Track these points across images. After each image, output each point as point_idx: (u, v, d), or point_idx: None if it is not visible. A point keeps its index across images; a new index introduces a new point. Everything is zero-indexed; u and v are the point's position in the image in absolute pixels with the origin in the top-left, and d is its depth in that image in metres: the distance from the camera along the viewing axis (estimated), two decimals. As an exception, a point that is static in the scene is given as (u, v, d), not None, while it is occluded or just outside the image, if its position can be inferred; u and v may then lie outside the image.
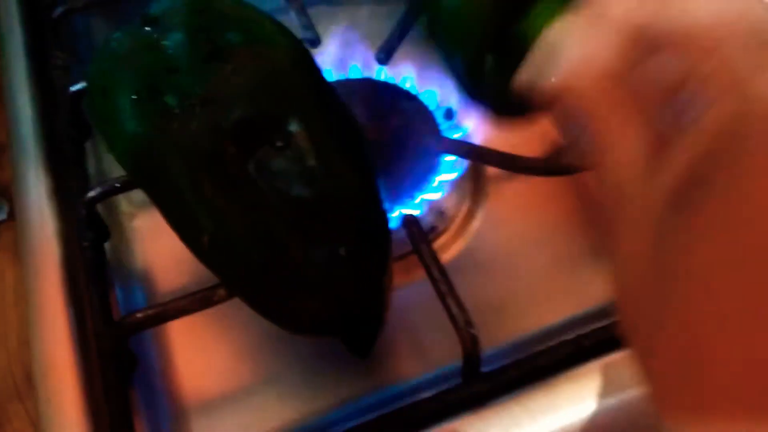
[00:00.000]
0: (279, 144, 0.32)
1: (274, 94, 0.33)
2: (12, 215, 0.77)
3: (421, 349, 0.38)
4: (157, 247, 0.42)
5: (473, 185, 0.44)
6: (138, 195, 0.42)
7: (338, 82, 0.43)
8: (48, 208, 0.39)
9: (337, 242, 0.32)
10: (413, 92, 0.43)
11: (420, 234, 0.36)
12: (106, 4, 0.49)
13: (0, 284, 0.65)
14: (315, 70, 0.36)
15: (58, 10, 0.46)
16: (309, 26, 0.45)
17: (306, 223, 0.32)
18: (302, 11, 0.46)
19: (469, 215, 0.43)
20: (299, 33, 0.46)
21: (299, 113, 0.33)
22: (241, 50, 0.34)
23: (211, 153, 0.32)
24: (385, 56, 0.44)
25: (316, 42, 0.45)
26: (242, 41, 0.34)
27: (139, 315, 0.32)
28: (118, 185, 0.37)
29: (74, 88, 0.41)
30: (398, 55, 0.44)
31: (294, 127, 0.32)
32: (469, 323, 0.33)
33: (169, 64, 0.33)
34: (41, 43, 0.48)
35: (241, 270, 0.32)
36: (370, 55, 0.45)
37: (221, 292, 0.33)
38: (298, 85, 0.34)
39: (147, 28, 0.34)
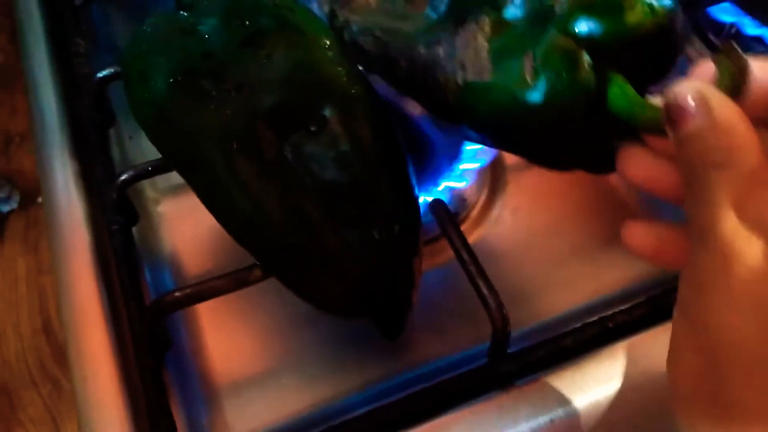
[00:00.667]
0: (313, 129, 0.33)
1: (308, 79, 0.34)
2: (22, 205, 0.78)
3: (445, 331, 0.39)
4: (183, 232, 0.42)
5: (493, 174, 0.45)
6: (163, 181, 0.43)
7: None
8: (76, 193, 0.39)
9: (370, 225, 0.33)
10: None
11: (448, 217, 0.37)
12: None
13: (11, 274, 0.66)
14: (347, 57, 0.36)
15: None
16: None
17: (340, 206, 0.32)
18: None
19: (489, 203, 0.44)
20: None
21: (333, 99, 0.33)
22: (276, 36, 0.34)
23: (247, 137, 0.32)
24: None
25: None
26: (276, 27, 0.35)
27: (177, 294, 0.33)
28: (150, 168, 0.37)
29: (100, 74, 0.41)
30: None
31: (328, 112, 0.33)
32: (499, 303, 0.33)
33: (205, 49, 0.34)
34: (62, 30, 0.48)
35: (277, 251, 0.32)
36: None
37: (257, 272, 0.33)
38: (331, 71, 0.34)
39: (182, 13, 0.35)
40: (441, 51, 0.32)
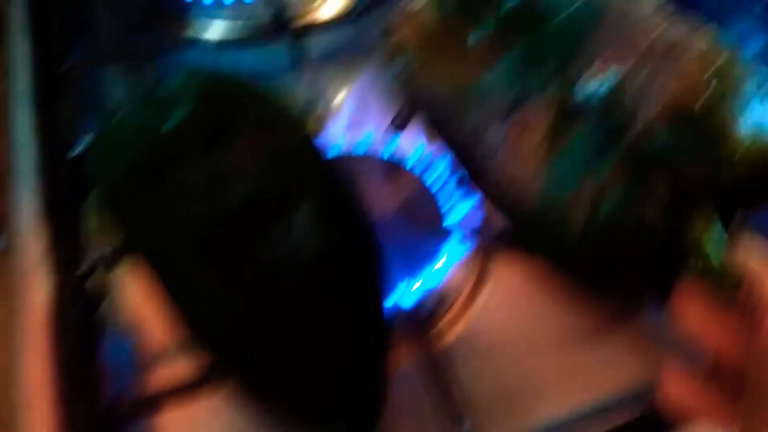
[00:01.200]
0: (281, 228, 0.32)
1: (277, 177, 0.33)
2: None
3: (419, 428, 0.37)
4: (150, 312, 0.41)
5: (476, 265, 0.43)
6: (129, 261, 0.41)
7: (343, 157, 0.43)
8: (39, 277, 0.38)
9: (338, 329, 0.32)
10: (419, 169, 0.42)
11: (418, 323, 0.36)
12: (115, 61, 0.48)
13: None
14: (319, 153, 0.35)
15: (65, 67, 0.46)
16: (320, 93, 0.44)
17: (309, 310, 0.31)
18: (313, 73, 0.45)
19: (472, 296, 0.42)
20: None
21: (302, 197, 0.32)
22: (247, 133, 0.33)
23: (213, 235, 0.31)
24: (402, 122, 0.43)
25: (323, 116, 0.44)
26: (248, 124, 0.34)
27: (126, 406, 0.32)
28: (113, 257, 0.36)
29: (76, 152, 0.41)
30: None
31: (297, 211, 0.32)
32: (459, 418, 0.32)
33: (174, 144, 0.33)
34: (49, 93, 0.47)
35: (243, 357, 0.31)
36: (386, 119, 0.43)
37: (219, 376, 0.32)
38: (301, 169, 0.34)
39: (152, 108, 0.34)
40: (489, 134, 0.30)
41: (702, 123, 0.27)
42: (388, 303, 0.38)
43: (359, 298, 0.33)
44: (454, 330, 0.41)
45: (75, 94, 0.48)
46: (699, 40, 0.29)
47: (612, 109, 0.28)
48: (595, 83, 0.28)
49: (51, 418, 0.33)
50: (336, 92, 0.47)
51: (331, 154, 0.42)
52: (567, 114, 0.29)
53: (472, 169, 0.32)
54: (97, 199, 0.34)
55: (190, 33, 0.53)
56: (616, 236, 0.27)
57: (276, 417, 0.33)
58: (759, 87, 0.28)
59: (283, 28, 0.48)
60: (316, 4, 0.55)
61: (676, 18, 0.30)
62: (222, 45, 0.48)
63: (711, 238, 0.26)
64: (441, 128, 0.33)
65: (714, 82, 0.27)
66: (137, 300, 0.41)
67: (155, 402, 0.32)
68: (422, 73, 0.33)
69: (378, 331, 0.34)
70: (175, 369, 0.35)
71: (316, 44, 0.50)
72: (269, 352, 0.31)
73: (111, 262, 0.37)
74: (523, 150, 0.29)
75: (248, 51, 0.49)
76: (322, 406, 0.32)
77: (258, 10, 0.52)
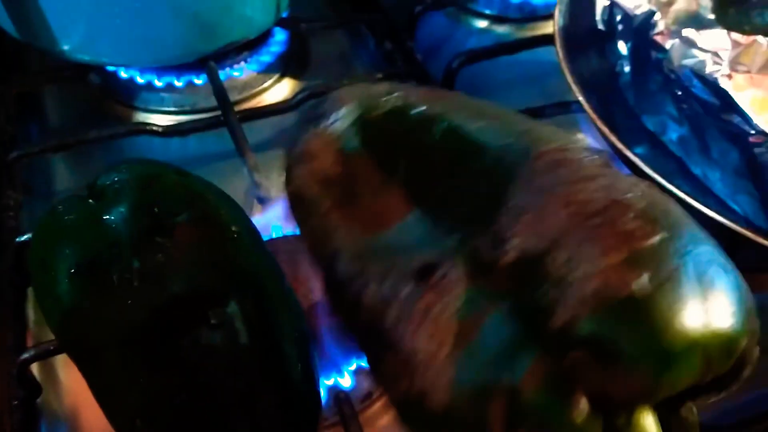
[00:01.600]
0: (214, 322, 0.33)
1: (212, 271, 0.33)
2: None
3: None
4: (90, 401, 0.41)
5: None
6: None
7: (282, 239, 0.44)
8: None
9: (269, 427, 0.32)
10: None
11: (349, 411, 0.36)
12: (62, 149, 0.49)
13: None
14: (257, 242, 0.36)
15: (13, 154, 0.47)
16: (258, 184, 0.46)
17: (237, 405, 0.32)
18: (254, 167, 0.47)
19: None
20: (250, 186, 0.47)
21: (236, 292, 0.33)
22: (183, 226, 0.34)
23: (144, 329, 0.32)
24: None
25: (264, 201, 0.46)
26: (185, 217, 0.35)
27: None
28: (53, 348, 0.37)
29: (21, 238, 0.41)
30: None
31: (230, 305, 0.33)
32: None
33: (111, 239, 0.34)
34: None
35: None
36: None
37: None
38: (237, 263, 0.34)
39: (92, 201, 0.35)
40: (392, 309, 0.26)
41: (634, 313, 0.23)
42: (324, 385, 0.38)
43: (289, 385, 0.33)
44: (381, 419, 0.42)
45: (22, 182, 0.49)
46: (636, 202, 0.25)
47: (533, 288, 0.24)
48: (515, 252, 0.25)
49: None
50: (278, 177, 0.49)
51: (269, 237, 0.44)
52: (482, 289, 0.25)
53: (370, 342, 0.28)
54: (35, 289, 0.34)
55: (138, 120, 0.55)
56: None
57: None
58: (703, 267, 0.24)
59: (227, 116, 0.50)
60: (258, 90, 0.57)
61: (610, 167, 0.28)
62: (168, 132, 0.50)
63: None
64: (338, 292, 0.30)
65: (650, 261, 0.23)
66: (74, 389, 0.42)
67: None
68: (320, 224, 0.30)
69: (309, 417, 0.34)
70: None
71: (259, 130, 0.52)
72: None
73: (51, 353, 0.37)
74: (433, 327, 0.25)
75: (193, 137, 0.51)
76: None
77: (206, 93, 0.54)
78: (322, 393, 0.35)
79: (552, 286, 0.24)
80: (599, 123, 0.40)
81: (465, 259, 0.26)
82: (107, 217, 0.34)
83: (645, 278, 0.23)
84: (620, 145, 0.39)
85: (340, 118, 0.32)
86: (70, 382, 0.42)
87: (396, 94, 0.32)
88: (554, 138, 0.29)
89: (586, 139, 0.33)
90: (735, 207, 0.41)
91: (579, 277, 0.23)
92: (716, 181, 0.41)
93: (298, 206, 0.33)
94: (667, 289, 0.23)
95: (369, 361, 0.30)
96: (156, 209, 0.35)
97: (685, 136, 0.43)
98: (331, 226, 0.30)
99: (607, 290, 0.23)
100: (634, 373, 0.23)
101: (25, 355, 0.36)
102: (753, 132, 0.36)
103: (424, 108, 0.31)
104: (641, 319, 0.23)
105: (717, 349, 0.23)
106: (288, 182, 0.33)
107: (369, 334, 0.28)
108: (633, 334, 0.23)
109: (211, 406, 0.31)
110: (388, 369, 0.27)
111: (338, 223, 0.30)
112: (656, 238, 0.24)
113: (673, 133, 0.44)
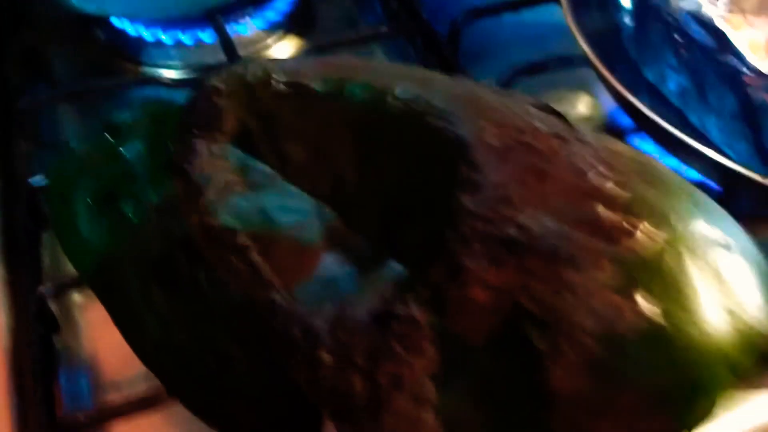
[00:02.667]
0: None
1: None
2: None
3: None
4: (107, 339, 0.42)
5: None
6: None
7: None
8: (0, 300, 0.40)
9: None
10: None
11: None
12: (71, 98, 0.50)
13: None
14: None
15: (24, 102, 0.48)
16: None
17: (251, 331, 0.33)
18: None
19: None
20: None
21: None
22: (198, 162, 0.35)
23: (162, 260, 0.33)
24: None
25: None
26: (199, 154, 0.36)
27: (80, 416, 0.33)
28: (70, 282, 0.38)
29: (34, 181, 0.42)
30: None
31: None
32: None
33: (128, 173, 0.35)
34: (6, 129, 0.49)
35: (184, 377, 0.33)
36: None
37: (163, 395, 0.34)
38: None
39: (108, 136, 0.36)
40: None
41: (641, 354, 0.20)
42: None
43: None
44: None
45: (32, 132, 0.50)
46: (601, 184, 0.22)
47: (515, 333, 0.21)
48: (480, 287, 0.21)
49: (12, 429, 0.34)
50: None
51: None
52: (453, 339, 0.21)
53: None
54: (54, 223, 0.35)
55: (147, 72, 0.55)
56: None
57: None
58: (701, 253, 0.21)
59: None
60: (263, 47, 0.58)
61: (567, 137, 0.24)
62: (176, 85, 0.50)
63: None
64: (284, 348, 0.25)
65: (642, 274, 0.21)
66: (91, 330, 0.43)
67: (107, 417, 0.34)
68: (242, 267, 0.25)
69: None
70: (128, 392, 0.36)
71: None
72: (209, 373, 0.32)
73: (68, 287, 0.38)
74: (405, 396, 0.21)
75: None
76: (259, 427, 0.33)
77: (213, 50, 0.55)
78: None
79: (538, 328, 0.20)
80: (604, 71, 0.41)
81: (417, 297, 0.22)
82: (124, 153, 0.35)
83: (641, 301, 0.20)
84: (625, 93, 0.40)
85: (224, 114, 0.27)
86: (87, 323, 0.43)
87: (285, 67, 0.28)
88: (503, 107, 0.25)
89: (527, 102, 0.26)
90: (731, 153, 0.42)
91: (566, 311, 0.20)
92: (713, 128, 0.42)
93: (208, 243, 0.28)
94: (672, 306, 0.20)
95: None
96: (171, 146, 0.36)
97: (683, 84, 0.44)
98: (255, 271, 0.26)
99: (605, 330, 0.20)
100: (661, 416, 0.20)
101: (44, 289, 0.37)
102: (747, 71, 0.38)
103: (322, 78, 0.27)
104: (654, 353, 0.20)
105: (741, 352, 0.21)
106: (187, 215, 0.28)
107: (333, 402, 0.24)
108: (651, 372, 0.20)
109: (225, 334, 0.32)
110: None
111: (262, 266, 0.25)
112: (638, 235, 0.21)
113: (671, 83, 0.45)
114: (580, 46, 0.44)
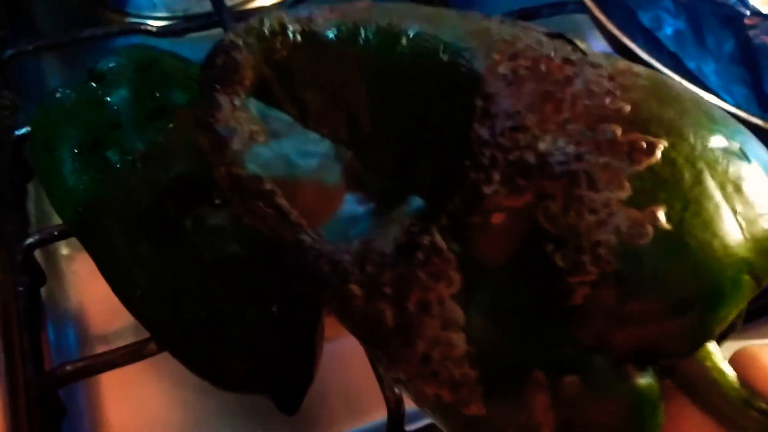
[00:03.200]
0: (217, 202, 0.33)
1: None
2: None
3: (349, 402, 0.39)
4: (94, 291, 0.42)
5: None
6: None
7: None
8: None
9: (270, 301, 0.33)
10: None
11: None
12: (56, 48, 0.49)
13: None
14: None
15: (8, 53, 0.47)
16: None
17: (239, 281, 0.32)
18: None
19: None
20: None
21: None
22: (184, 109, 0.35)
23: (149, 209, 0.32)
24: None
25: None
26: (185, 100, 0.35)
27: (68, 367, 0.33)
28: (57, 233, 0.37)
29: (19, 132, 0.41)
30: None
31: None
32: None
33: (113, 120, 0.34)
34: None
35: (173, 326, 0.32)
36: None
37: (152, 346, 0.33)
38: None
39: (93, 84, 0.35)
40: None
41: (662, 260, 0.20)
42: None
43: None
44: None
45: (16, 83, 0.49)
46: (620, 107, 0.22)
47: (535, 251, 0.21)
48: (500, 213, 0.22)
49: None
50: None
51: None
52: (476, 264, 0.22)
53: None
54: (39, 171, 0.34)
55: (129, 21, 0.54)
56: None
57: (205, 384, 0.34)
58: (722, 166, 0.21)
59: (221, 15, 0.49)
60: (252, -5, 0.57)
61: (576, 60, 0.24)
62: (161, 33, 0.49)
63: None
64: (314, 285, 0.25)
65: (660, 189, 0.21)
66: (79, 279, 0.42)
67: (95, 366, 0.33)
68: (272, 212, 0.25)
69: (310, 305, 0.35)
70: (115, 344, 0.36)
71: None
72: (198, 322, 0.32)
73: (55, 238, 0.37)
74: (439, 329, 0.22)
75: (187, 39, 0.51)
76: (247, 376, 0.33)
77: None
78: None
79: (558, 247, 0.21)
80: (600, 15, 0.40)
81: (439, 226, 0.23)
82: (108, 99, 0.35)
83: (661, 215, 0.20)
84: (621, 36, 0.39)
85: (244, 66, 0.27)
86: (73, 275, 0.42)
87: (298, 17, 0.28)
88: (515, 38, 0.25)
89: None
90: (728, 98, 0.41)
91: (586, 229, 0.21)
92: (710, 73, 0.42)
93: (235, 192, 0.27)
94: (691, 218, 0.21)
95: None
96: (157, 93, 0.35)
97: (680, 28, 0.43)
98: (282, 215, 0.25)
99: (624, 244, 0.20)
100: (684, 321, 0.20)
101: (30, 240, 0.37)
102: (748, 13, 0.37)
103: (334, 25, 0.27)
104: (674, 262, 0.20)
105: (759, 257, 0.21)
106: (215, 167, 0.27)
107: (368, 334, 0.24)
108: (671, 280, 0.20)
109: (214, 281, 0.32)
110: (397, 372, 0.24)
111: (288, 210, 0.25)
112: (657, 154, 0.21)
113: (668, 28, 0.44)
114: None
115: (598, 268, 0.20)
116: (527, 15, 0.50)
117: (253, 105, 0.28)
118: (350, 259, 0.24)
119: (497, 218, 0.22)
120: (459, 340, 0.22)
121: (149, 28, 0.49)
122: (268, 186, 0.25)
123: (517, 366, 0.21)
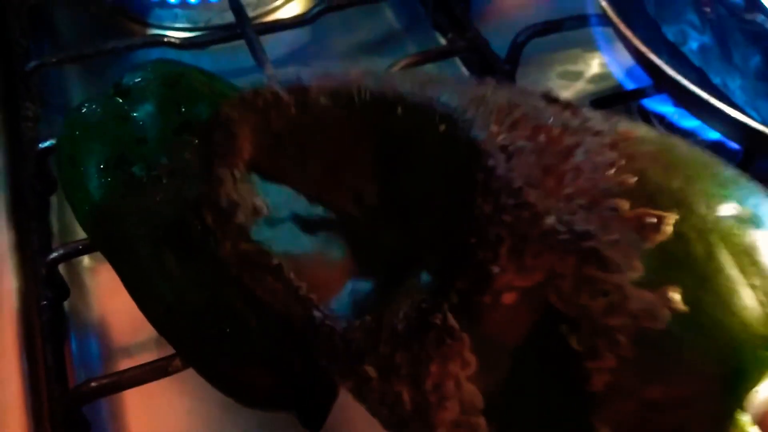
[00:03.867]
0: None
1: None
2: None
3: (371, 419, 0.39)
4: (117, 304, 0.42)
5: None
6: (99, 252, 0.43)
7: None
8: (8, 265, 0.39)
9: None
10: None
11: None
12: (79, 60, 0.49)
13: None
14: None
15: (31, 64, 0.47)
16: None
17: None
18: (273, 78, 0.46)
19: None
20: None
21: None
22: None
23: (174, 224, 0.32)
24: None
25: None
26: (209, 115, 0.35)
27: (93, 384, 0.33)
28: (81, 247, 0.37)
29: (43, 144, 0.42)
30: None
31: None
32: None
33: (138, 135, 0.34)
34: (12, 93, 0.48)
35: (197, 341, 0.32)
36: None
37: (176, 362, 0.33)
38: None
39: (118, 98, 0.35)
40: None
41: (682, 344, 0.20)
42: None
43: None
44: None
45: (38, 95, 0.49)
46: (625, 179, 0.22)
47: (548, 333, 0.21)
48: (510, 293, 0.21)
49: (23, 395, 0.34)
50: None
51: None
52: (491, 346, 0.21)
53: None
54: (64, 186, 0.35)
55: (153, 33, 0.54)
56: None
57: (229, 401, 0.34)
58: (735, 237, 0.21)
59: (243, 28, 0.49)
60: (271, 9, 0.57)
61: (578, 125, 0.24)
62: (183, 46, 0.49)
63: None
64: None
65: (674, 266, 0.20)
66: (102, 292, 0.42)
67: (120, 383, 0.33)
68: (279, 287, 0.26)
69: None
70: (138, 358, 0.36)
71: (276, 45, 0.52)
72: (222, 337, 0.31)
73: (79, 252, 0.38)
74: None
75: (209, 51, 0.51)
76: (271, 392, 0.33)
77: (220, 10, 0.54)
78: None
79: (573, 329, 0.20)
80: (622, 27, 0.40)
81: (450, 304, 0.22)
82: (134, 114, 0.35)
83: (676, 296, 0.20)
84: (646, 50, 0.39)
85: (241, 141, 0.27)
86: (96, 288, 0.42)
87: (291, 86, 0.27)
88: (513, 107, 0.25)
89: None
90: (754, 114, 0.41)
91: (599, 312, 0.20)
92: (736, 89, 0.41)
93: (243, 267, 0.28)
94: (706, 296, 0.20)
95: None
96: (182, 108, 0.35)
97: (706, 44, 0.43)
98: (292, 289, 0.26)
99: (641, 328, 0.20)
100: (708, 403, 0.20)
101: (54, 255, 0.37)
102: (776, 30, 0.37)
103: (328, 92, 0.27)
104: (693, 344, 0.20)
105: None
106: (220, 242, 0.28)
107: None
108: (691, 363, 0.20)
109: (238, 296, 0.32)
110: None
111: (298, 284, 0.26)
112: (667, 230, 0.21)
113: (693, 43, 0.44)
114: (598, 4, 0.43)
115: (616, 354, 0.20)
116: (550, 28, 0.49)
117: (255, 178, 0.28)
118: (363, 338, 0.23)
119: (508, 298, 0.21)
120: (479, 424, 0.21)
121: (172, 40, 0.49)
122: (276, 260, 0.25)
123: None
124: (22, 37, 0.51)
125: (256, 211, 0.26)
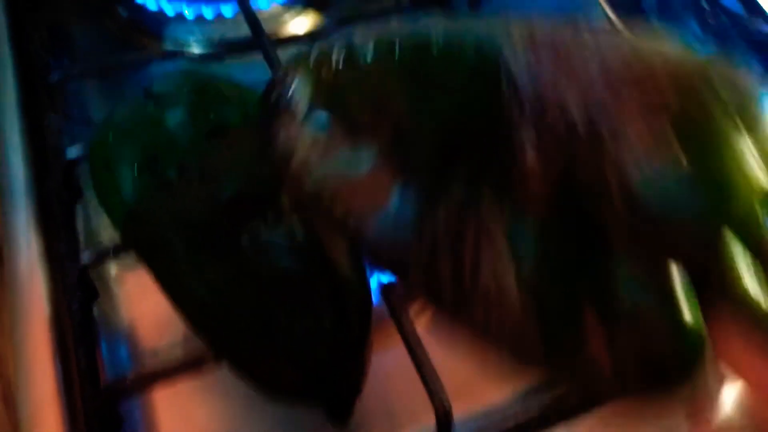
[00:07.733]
0: (271, 219, 0.34)
1: (267, 171, 0.35)
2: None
3: (394, 414, 0.40)
4: (144, 309, 0.43)
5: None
6: (126, 257, 0.43)
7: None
8: (38, 271, 0.40)
9: (322, 314, 0.34)
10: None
11: (398, 304, 0.38)
12: (100, 72, 0.50)
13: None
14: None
15: (55, 76, 0.48)
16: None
17: (293, 294, 0.33)
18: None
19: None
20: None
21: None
22: (238, 128, 0.36)
23: (206, 224, 0.34)
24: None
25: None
26: (239, 120, 0.36)
27: (127, 380, 0.34)
28: (111, 250, 0.38)
29: (70, 153, 0.43)
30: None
31: (285, 203, 0.35)
32: (442, 393, 0.35)
33: (170, 139, 0.35)
34: (36, 104, 0.49)
35: (229, 335, 0.33)
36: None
37: (209, 359, 0.34)
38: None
39: (149, 104, 0.37)
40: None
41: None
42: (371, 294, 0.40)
43: (342, 278, 0.35)
44: (425, 315, 0.44)
45: (61, 106, 0.50)
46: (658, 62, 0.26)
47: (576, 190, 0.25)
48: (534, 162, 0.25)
49: (57, 394, 0.35)
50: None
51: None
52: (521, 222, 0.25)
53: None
54: (97, 189, 0.36)
55: (169, 48, 0.55)
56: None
57: (260, 395, 0.35)
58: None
59: (261, 39, 0.51)
60: (282, 23, 0.58)
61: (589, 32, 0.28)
62: (201, 59, 0.51)
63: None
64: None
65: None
66: (129, 298, 0.43)
67: (150, 382, 0.34)
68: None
69: (360, 311, 0.36)
70: (166, 358, 0.37)
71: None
72: (253, 333, 0.33)
73: (109, 257, 0.39)
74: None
75: (226, 64, 0.52)
76: (300, 386, 0.34)
77: (233, 24, 0.55)
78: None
79: (589, 192, 0.24)
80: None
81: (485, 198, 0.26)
82: (165, 119, 0.36)
83: (680, 154, 0.24)
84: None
85: (297, 95, 0.30)
86: (124, 292, 0.43)
87: (338, 45, 0.31)
88: (535, 25, 0.29)
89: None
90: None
91: (612, 173, 0.24)
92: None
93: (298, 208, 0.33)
94: (710, 160, 0.24)
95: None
96: (212, 113, 0.36)
97: (708, 52, 0.44)
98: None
99: (647, 178, 0.24)
100: (703, 243, 0.24)
101: (86, 260, 0.38)
102: (778, 39, 0.38)
103: (371, 46, 0.31)
104: (694, 189, 0.24)
105: None
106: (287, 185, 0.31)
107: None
108: (692, 204, 0.24)
109: (269, 294, 0.33)
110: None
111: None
112: (674, 105, 0.25)
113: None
114: (602, 11, 0.45)
115: (627, 204, 0.23)
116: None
117: (310, 126, 0.30)
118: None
119: (530, 159, 0.25)
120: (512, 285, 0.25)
121: (187, 54, 0.50)
122: (327, 200, 0.28)
123: (569, 308, 0.24)
124: (44, 51, 0.52)
125: (311, 155, 0.29)
